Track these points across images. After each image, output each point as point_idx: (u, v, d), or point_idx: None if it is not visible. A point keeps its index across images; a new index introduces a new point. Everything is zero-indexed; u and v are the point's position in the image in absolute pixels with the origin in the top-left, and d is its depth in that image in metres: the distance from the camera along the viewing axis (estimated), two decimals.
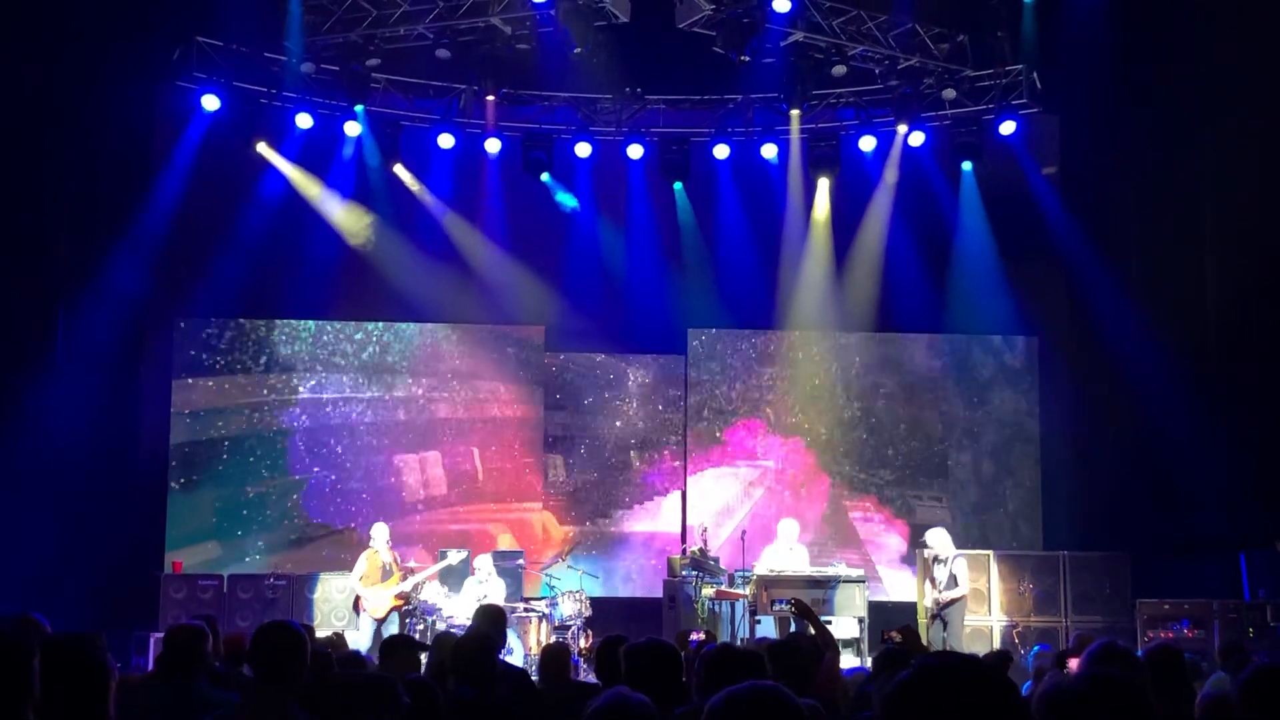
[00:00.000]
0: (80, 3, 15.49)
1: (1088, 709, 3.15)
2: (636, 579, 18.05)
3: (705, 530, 16.36)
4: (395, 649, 7.12)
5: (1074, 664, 7.59)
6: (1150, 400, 16.42)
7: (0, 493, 14.78)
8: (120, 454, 16.75)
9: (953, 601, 14.61)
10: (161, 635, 9.53)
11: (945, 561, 14.72)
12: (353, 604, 15.05)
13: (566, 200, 18.11)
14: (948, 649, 13.87)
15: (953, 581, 14.64)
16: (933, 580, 14.76)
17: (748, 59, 16.13)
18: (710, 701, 2.98)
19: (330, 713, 4.24)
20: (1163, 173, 16.91)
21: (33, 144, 15.49)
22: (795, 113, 17.29)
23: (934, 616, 14.57)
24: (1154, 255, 16.94)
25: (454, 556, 15.07)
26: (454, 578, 15.42)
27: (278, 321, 18.00)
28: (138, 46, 16.08)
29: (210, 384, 17.71)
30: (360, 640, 14.05)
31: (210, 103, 16.28)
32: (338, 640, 9.81)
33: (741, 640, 14.01)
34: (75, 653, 3.43)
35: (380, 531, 15.00)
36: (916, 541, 16.87)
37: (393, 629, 14.17)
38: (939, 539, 14.94)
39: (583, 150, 17.76)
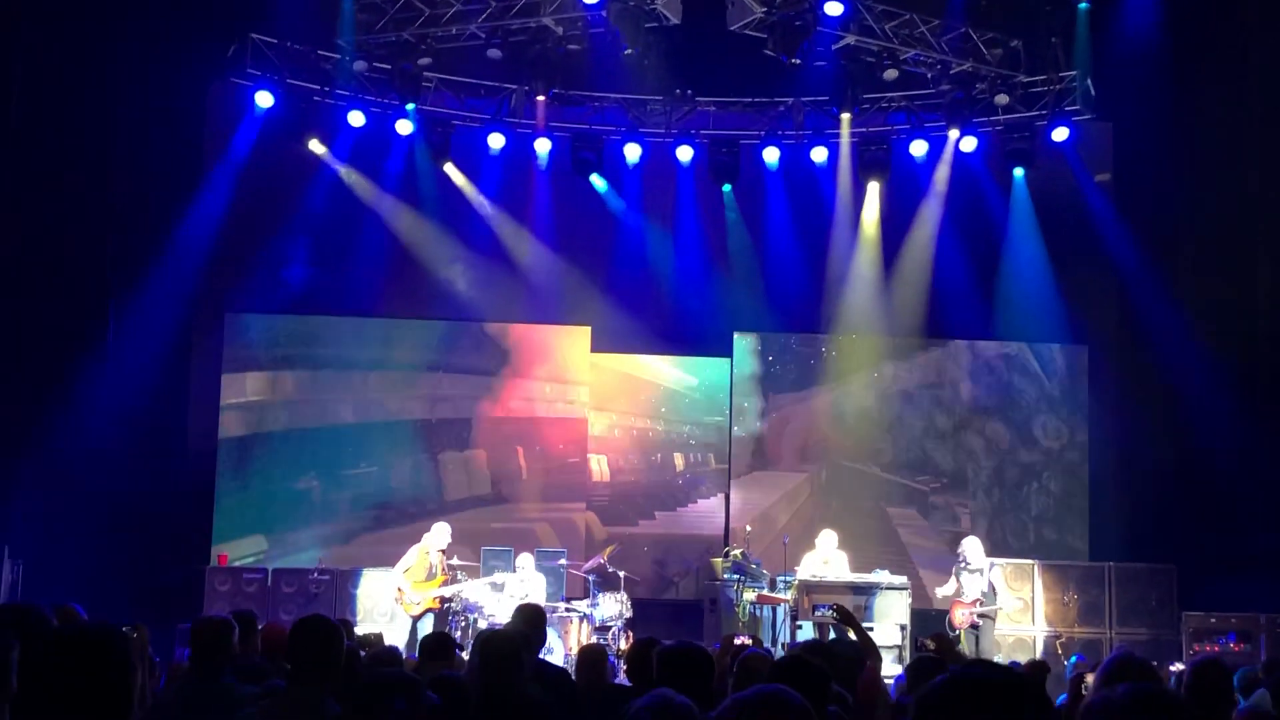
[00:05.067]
0: (137, 1, 15.63)
1: None
2: (678, 582, 18.04)
3: (748, 534, 16.30)
4: (433, 649, 7.15)
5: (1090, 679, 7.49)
6: (1200, 411, 16.24)
7: (50, 485, 14.93)
8: (168, 447, 16.89)
9: (992, 612, 14.55)
10: None
11: (979, 571, 14.65)
12: (395, 596, 15.04)
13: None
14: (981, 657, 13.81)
15: (992, 591, 14.57)
16: (959, 587, 14.69)
17: (799, 62, 16.08)
18: (718, 709, 2.96)
19: (357, 710, 4.25)
20: (1216, 181, 16.73)
21: (88, 139, 15.65)
22: (846, 116, 17.23)
23: (971, 626, 14.48)
24: (1206, 265, 16.76)
25: (500, 576, 14.98)
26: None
27: (326, 317, 18.10)
28: (193, 43, 16.21)
29: (259, 379, 17.84)
30: (398, 636, 14.07)
31: (264, 99, 16.42)
32: (374, 640, 9.83)
33: (782, 645, 13.98)
34: (94, 643, 3.41)
35: (440, 532, 14.91)
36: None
37: (427, 628, 14.11)
38: (973, 548, 14.86)
39: (632, 151, 17.76)
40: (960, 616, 14.58)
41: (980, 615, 14.49)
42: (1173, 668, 12.75)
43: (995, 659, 14.00)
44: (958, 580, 14.78)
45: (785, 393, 18.50)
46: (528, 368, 18.37)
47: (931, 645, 7.89)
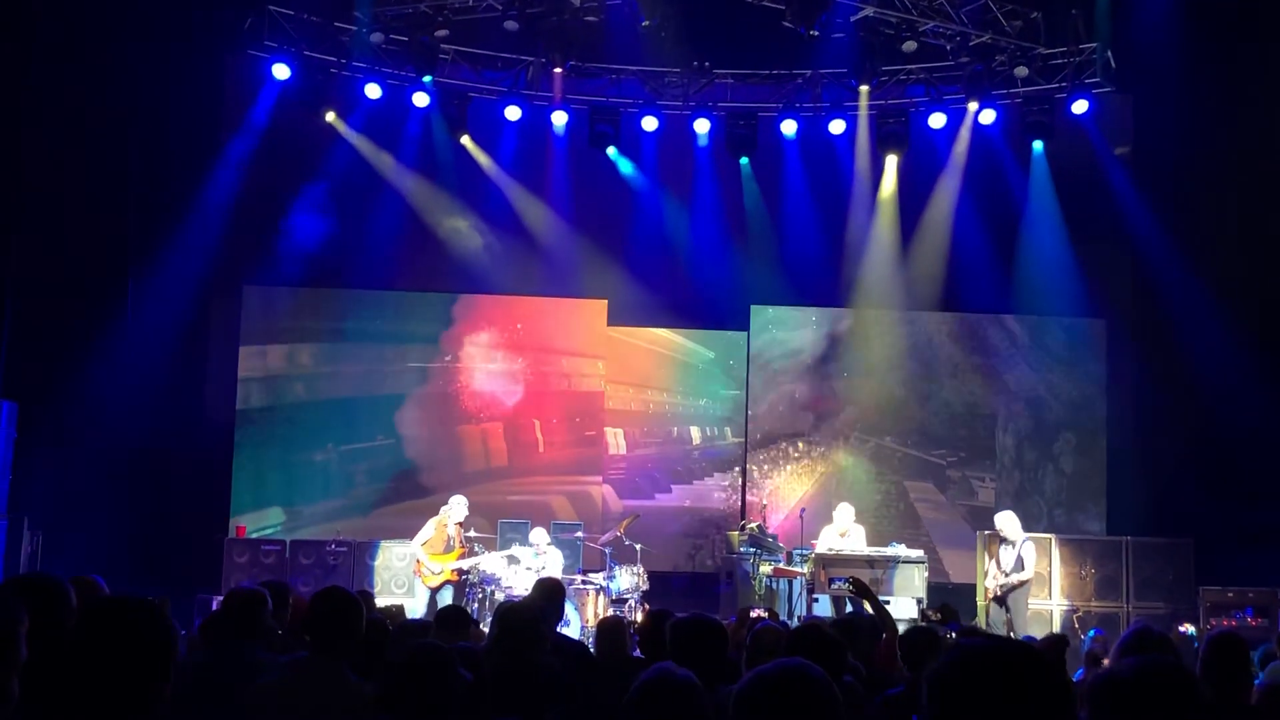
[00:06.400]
0: None
1: (1138, 697, 3.12)
2: (695, 554, 18.07)
3: (765, 507, 16.28)
4: (449, 621, 7.18)
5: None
6: (1218, 385, 16.17)
7: (69, 457, 14.99)
8: (187, 420, 16.95)
9: (1018, 585, 14.47)
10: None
11: (1013, 544, 14.53)
12: (413, 569, 15.10)
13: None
14: (1010, 632, 13.79)
15: (1019, 564, 14.46)
16: (998, 562, 14.61)
17: (817, 34, 15.97)
18: (738, 684, 2.96)
19: (392, 687, 4.26)
20: (1236, 154, 16.62)
21: (105, 112, 15.64)
22: (864, 89, 17.14)
23: (998, 599, 14.43)
24: (1224, 239, 16.67)
25: (519, 550, 14.96)
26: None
27: (343, 290, 18.13)
28: (211, 15, 16.19)
29: (277, 351, 17.88)
30: (417, 608, 14.13)
31: (281, 72, 16.40)
32: (396, 612, 9.88)
33: (798, 618, 13.99)
34: (142, 612, 3.42)
35: (457, 504, 14.97)
36: (977, 524, 16.81)
37: (446, 600, 14.16)
38: (1008, 521, 14.71)
39: (649, 124, 17.69)
40: (992, 585, 14.54)
41: (1002, 586, 14.38)
42: (1181, 628, 12.76)
43: (1024, 633, 13.99)
44: (997, 551, 14.71)
45: (801, 366, 18.49)
46: (544, 341, 18.38)
47: (936, 616, 7.92)
